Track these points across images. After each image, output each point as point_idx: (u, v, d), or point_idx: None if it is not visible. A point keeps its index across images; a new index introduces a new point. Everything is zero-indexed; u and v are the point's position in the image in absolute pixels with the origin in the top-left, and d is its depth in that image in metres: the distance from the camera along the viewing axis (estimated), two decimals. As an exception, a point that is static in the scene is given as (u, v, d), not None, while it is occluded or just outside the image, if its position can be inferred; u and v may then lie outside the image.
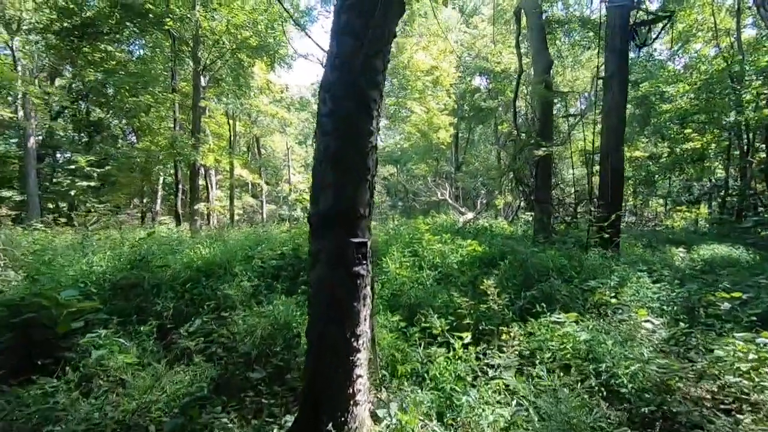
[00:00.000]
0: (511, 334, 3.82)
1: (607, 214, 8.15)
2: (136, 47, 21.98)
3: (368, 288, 2.67)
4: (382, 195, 34.42)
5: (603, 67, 9.00)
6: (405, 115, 22.96)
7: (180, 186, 20.73)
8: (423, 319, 4.40)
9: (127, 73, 18.69)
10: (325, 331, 2.55)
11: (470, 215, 16.33)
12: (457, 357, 3.68)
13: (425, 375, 3.66)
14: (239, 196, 29.87)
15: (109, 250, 7.20)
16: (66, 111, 22.87)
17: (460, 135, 31.84)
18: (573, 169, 14.62)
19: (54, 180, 16.70)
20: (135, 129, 25.00)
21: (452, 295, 4.88)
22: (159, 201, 28.11)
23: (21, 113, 14.76)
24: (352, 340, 2.57)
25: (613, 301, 4.84)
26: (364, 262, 2.57)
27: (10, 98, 16.20)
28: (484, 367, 3.56)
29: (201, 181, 26.10)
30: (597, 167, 10.24)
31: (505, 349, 3.73)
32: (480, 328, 4.19)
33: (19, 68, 18.75)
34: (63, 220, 10.94)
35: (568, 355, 3.58)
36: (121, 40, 19.31)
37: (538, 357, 3.63)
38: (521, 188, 13.69)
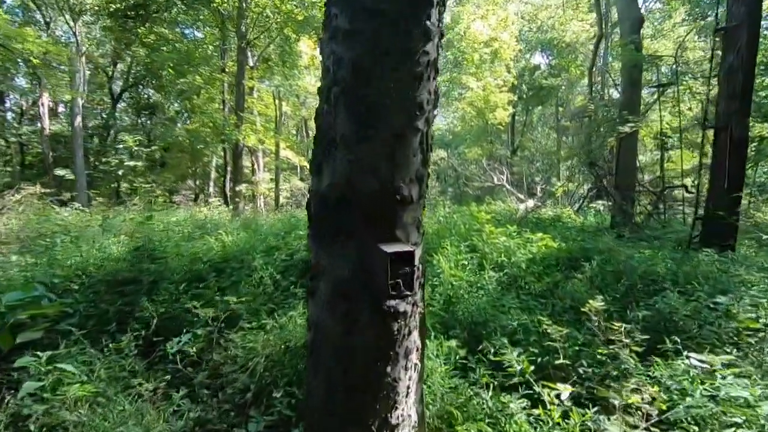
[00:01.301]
0: (642, 396, 2.44)
1: (724, 202, 6.34)
2: (188, 29, 21.82)
3: (416, 334, 1.44)
4: (431, 180, 32.98)
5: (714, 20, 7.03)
6: (459, 94, 21.23)
7: (228, 167, 20.46)
8: (490, 348, 3.12)
9: (176, 53, 18.41)
10: (332, 426, 1.37)
11: (531, 203, 14.57)
12: (549, 422, 2.38)
13: (498, 442, 2.41)
14: (287, 178, 29.52)
15: (127, 234, 6.46)
16: (125, 94, 23.36)
17: (516, 117, 29.57)
18: (649, 151, 12.43)
19: (104, 160, 16.78)
20: (187, 110, 25.15)
21: (533, 315, 3.54)
22: (211, 182, 28.35)
23: (68, 96, 14.74)
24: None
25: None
26: (410, 290, 1.34)
27: (64, 79, 16.33)
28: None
29: (247, 162, 25.93)
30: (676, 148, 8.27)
31: (631, 416, 2.37)
32: (581, 371, 2.83)
33: (83, 51, 19.07)
34: (100, 199, 10.56)
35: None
36: (171, 20, 19.07)
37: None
38: (594, 173, 11.78)
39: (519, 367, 2.75)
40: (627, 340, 2.64)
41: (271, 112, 24.67)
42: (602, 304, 2.91)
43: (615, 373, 2.90)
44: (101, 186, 18.30)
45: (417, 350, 1.49)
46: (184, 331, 3.25)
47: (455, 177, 31.15)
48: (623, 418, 2.53)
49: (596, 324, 2.92)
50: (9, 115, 23.46)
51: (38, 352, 2.56)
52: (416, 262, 1.32)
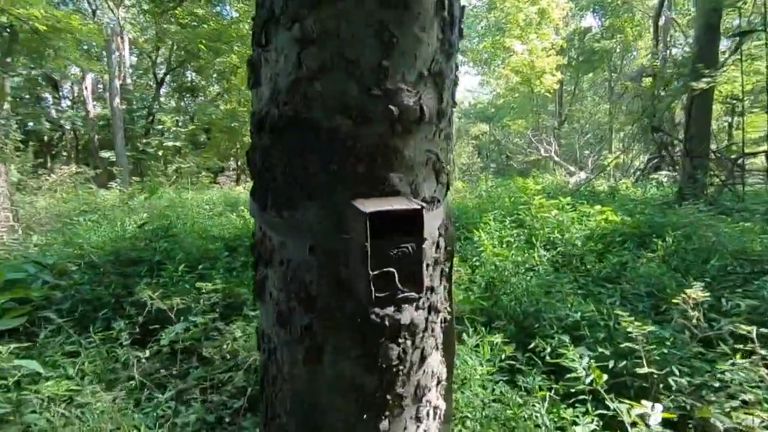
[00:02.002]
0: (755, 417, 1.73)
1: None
2: (223, 8, 21.64)
3: (436, 359, 0.85)
4: (472, 156, 31.77)
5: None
6: (503, 60, 19.85)
7: (265, 147, 20.23)
8: (545, 346, 2.47)
9: (210, 30, 18.27)
10: None
11: (582, 175, 13.39)
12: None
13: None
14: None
15: (151, 214, 6.22)
16: (168, 77, 23.76)
17: (564, 86, 27.59)
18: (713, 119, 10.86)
19: (144, 141, 17.06)
20: (225, 91, 25.28)
21: (600, 304, 2.84)
22: (252, 162, 28.57)
23: (106, 77, 14.93)
24: None
25: None
26: (413, 286, 0.72)
27: (101, 61, 16.58)
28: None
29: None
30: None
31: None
32: (671, 382, 2.13)
33: (125, 37, 19.43)
34: (136, 178, 10.58)
35: None
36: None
37: None
38: (659, 139, 10.47)
39: (585, 374, 2.09)
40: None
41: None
42: (707, 294, 2.17)
43: (716, 384, 2.18)
44: (147, 168, 18.74)
45: (439, 384, 0.90)
46: (181, 318, 2.82)
47: (498, 151, 29.79)
48: (734, 447, 1.84)
49: (693, 320, 2.19)
50: (64, 103, 24.56)
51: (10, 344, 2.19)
52: (428, 232, 0.71)
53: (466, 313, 2.86)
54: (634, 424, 1.86)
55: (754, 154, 10.56)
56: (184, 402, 2.35)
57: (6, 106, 15.12)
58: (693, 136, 8.63)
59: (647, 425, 1.86)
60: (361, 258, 0.66)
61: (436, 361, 0.88)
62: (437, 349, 0.88)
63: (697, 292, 2.13)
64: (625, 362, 2.25)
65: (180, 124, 19.12)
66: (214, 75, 23.03)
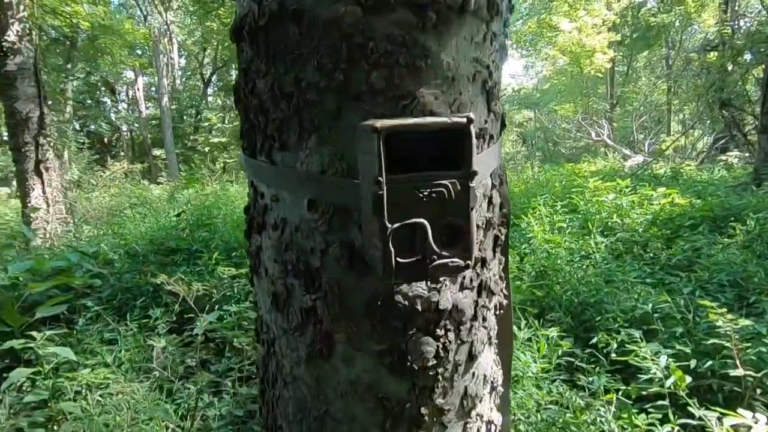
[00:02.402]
0: None
1: None
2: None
3: (488, 357, 0.62)
4: (516, 144, 30.74)
5: None
6: (548, 40, 18.87)
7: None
8: (610, 341, 2.17)
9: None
10: None
11: (640, 158, 12.46)
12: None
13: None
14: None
15: (192, 205, 6.33)
16: (214, 77, 24.60)
17: (615, 66, 25.87)
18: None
19: (192, 137, 17.70)
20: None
21: (673, 294, 2.47)
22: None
23: (156, 78, 15.56)
24: None
25: None
26: (460, 254, 0.49)
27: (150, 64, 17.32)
28: None
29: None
30: None
31: None
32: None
33: (174, 41, 20.34)
34: (183, 173, 10.95)
35: None
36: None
37: None
38: (730, 116, 9.48)
39: (662, 375, 1.78)
40: None
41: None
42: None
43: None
44: (195, 164, 19.51)
45: (493, 392, 0.67)
46: (216, 307, 2.75)
47: (544, 139, 28.59)
48: None
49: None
50: (121, 106, 26.09)
51: (33, 333, 2.18)
52: (479, 165, 0.47)
53: (515, 303, 2.59)
54: (727, 438, 1.55)
55: None
56: (215, 393, 2.26)
57: (68, 109, 16.19)
58: (771, 110, 7.71)
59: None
60: (373, 203, 0.45)
61: (489, 362, 0.65)
62: (490, 344, 0.65)
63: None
64: (710, 362, 1.91)
65: (226, 121, 19.66)
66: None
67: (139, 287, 3.18)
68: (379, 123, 0.44)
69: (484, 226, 0.61)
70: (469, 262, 0.50)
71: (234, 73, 25.01)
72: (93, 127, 21.12)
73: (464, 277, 0.57)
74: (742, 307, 2.63)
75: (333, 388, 0.60)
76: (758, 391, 1.82)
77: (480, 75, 0.59)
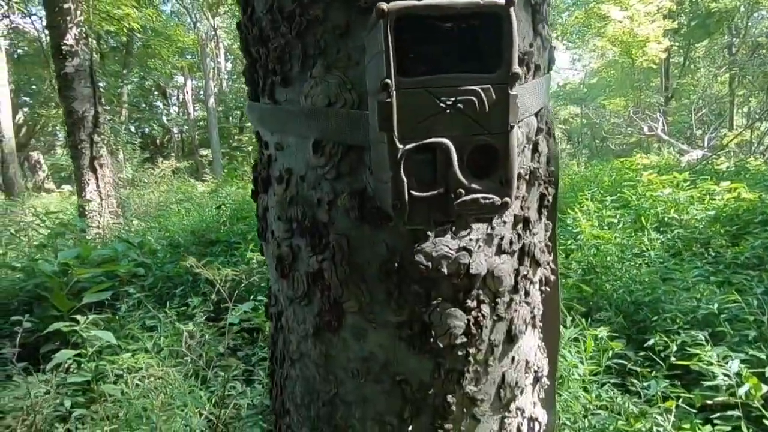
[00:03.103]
0: None
1: None
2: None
3: (531, 339, 0.51)
4: (561, 141, 29.68)
5: None
6: (597, 30, 18.03)
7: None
8: (669, 344, 1.97)
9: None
10: None
11: (699, 153, 11.62)
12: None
13: None
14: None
15: (230, 200, 6.51)
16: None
17: (671, 57, 24.27)
18: None
19: (236, 137, 18.31)
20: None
21: (744, 294, 2.22)
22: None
23: (204, 81, 16.19)
24: None
25: None
26: (493, 180, 0.37)
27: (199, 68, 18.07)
28: None
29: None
30: None
31: None
32: None
33: (221, 45, 21.20)
34: (225, 171, 11.32)
35: None
36: None
37: None
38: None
39: (734, 383, 1.57)
40: None
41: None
42: None
43: None
44: (240, 163, 20.22)
45: (537, 383, 0.56)
46: (250, 297, 2.76)
47: (591, 135, 27.40)
48: None
49: None
50: (173, 109, 27.48)
51: (77, 317, 2.25)
52: (516, 65, 0.36)
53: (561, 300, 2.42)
54: (814, 456, 1.35)
55: None
56: (248, 382, 2.25)
57: (124, 112, 17.21)
58: None
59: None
60: (380, 115, 0.35)
61: (532, 347, 0.54)
62: (534, 326, 0.54)
63: None
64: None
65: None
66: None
67: (179, 276, 3.26)
68: (386, 4, 0.34)
69: (527, 178, 0.50)
70: (507, 199, 0.38)
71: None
72: (146, 129, 22.38)
73: (502, 238, 0.46)
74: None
75: (343, 366, 0.52)
76: None
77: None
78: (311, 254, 0.52)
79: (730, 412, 1.56)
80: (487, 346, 0.50)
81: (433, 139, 0.35)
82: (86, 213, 5.17)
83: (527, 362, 0.55)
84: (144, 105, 23.76)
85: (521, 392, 0.54)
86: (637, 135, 17.80)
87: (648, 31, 16.00)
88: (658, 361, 1.94)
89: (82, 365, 2.37)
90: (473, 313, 0.47)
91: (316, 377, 0.54)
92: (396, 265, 0.47)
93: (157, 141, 23.04)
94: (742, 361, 1.69)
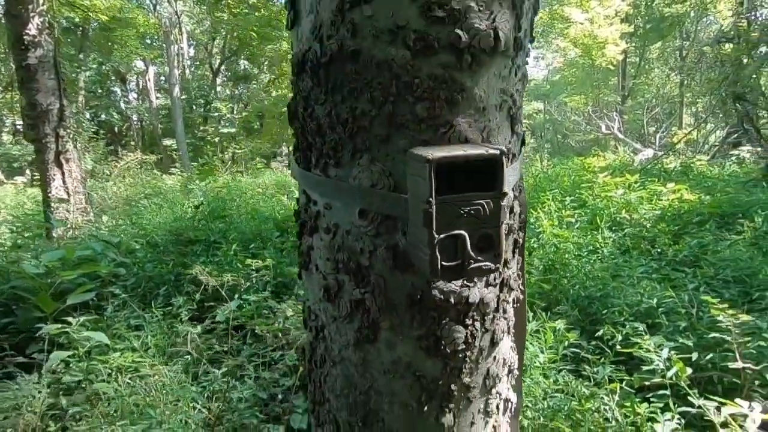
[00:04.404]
0: None
1: None
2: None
3: (507, 343, 0.73)
4: (525, 135, 30.55)
5: None
6: (560, 30, 18.67)
7: (314, 131, 20.69)
8: (615, 333, 2.25)
9: (260, 17, 18.60)
10: None
11: (650, 152, 12.40)
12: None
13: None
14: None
15: (207, 196, 6.47)
16: (222, 67, 24.64)
17: (627, 58, 25.48)
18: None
19: (202, 128, 17.85)
20: (276, 77, 25.87)
21: (679, 290, 2.55)
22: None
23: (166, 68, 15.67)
24: None
25: None
26: (490, 254, 0.59)
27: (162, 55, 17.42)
28: None
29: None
30: None
31: None
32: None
33: (184, 30, 20.44)
34: (195, 164, 11.08)
35: None
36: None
37: None
38: (743, 109, 9.40)
39: (665, 367, 1.87)
40: None
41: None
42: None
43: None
44: (205, 154, 19.70)
45: (510, 374, 0.78)
46: (235, 297, 2.87)
47: (553, 131, 28.37)
48: None
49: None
50: (131, 95, 26.28)
51: (69, 318, 2.31)
52: (507, 186, 0.57)
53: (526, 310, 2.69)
54: (724, 425, 1.64)
55: None
56: (238, 378, 2.38)
57: (80, 99, 16.38)
58: (785, 105, 7.66)
59: (741, 426, 1.63)
60: (424, 218, 0.54)
61: (507, 348, 0.76)
62: (509, 333, 0.75)
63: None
64: (711, 355, 2.00)
65: (235, 111, 19.79)
66: (266, 62, 23.58)
67: (161, 276, 3.32)
68: (430, 155, 0.53)
69: (506, 231, 0.70)
70: (498, 265, 0.60)
71: (243, 63, 25.01)
72: (103, 116, 21.36)
73: (494, 273, 0.66)
74: (745, 303, 2.70)
75: (377, 367, 0.70)
76: (757, 382, 1.90)
77: (506, 104, 0.68)
78: (355, 287, 0.70)
79: (662, 392, 1.85)
80: (478, 350, 0.70)
81: (455, 232, 0.55)
82: (52, 210, 5.05)
83: (504, 359, 0.76)
84: (101, 91, 22.66)
85: (499, 380, 0.75)
86: (596, 133, 18.66)
87: (607, 33, 16.74)
88: (606, 349, 2.22)
89: (71, 365, 2.43)
90: (469, 328, 0.67)
91: (355, 375, 0.73)
92: (418, 297, 0.66)
93: (115, 129, 22.07)
94: (673, 348, 2.00)
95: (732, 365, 1.84)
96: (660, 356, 1.83)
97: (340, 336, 0.73)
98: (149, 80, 17.40)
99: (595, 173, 5.37)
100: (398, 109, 0.64)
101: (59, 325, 2.24)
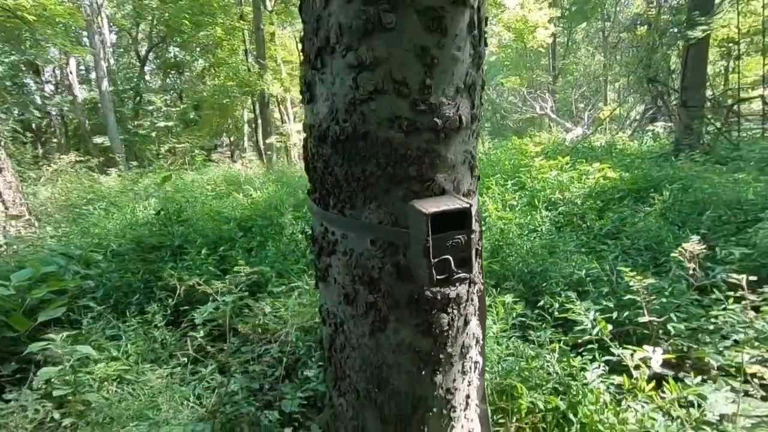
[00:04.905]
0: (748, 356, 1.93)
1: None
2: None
3: (474, 322, 1.01)
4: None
5: None
6: (494, 15, 19.33)
7: (258, 120, 20.19)
8: (553, 302, 2.67)
9: (191, 3, 17.63)
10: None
11: (579, 130, 13.41)
12: (636, 393, 1.96)
13: (568, 415, 2.04)
14: (318, 127, 28.75)
15: (154, 198, 6.32)
16: (151, 55, 23.07)
17: (557, 39, 26.91)
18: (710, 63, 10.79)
19: (136, 123, 16.85)
20: (212, 65, 24.67)
21: (602, 260, 3.02)
22: (246, 137, 28.25)
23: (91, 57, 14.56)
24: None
25: None
26: (465, 268, 0.86)
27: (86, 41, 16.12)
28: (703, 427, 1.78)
29: (277, 114, 25.49)
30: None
31: (740, 385, 1.89)
32: (670, 329, 2.34)
33: (103, 14, 18.86)
34: (135, 163, 10.58)
35: None
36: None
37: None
38: (655, 90, 10.44)
39: (592, 326, 2.29)
40: (744, 288, 2.10)
41: (295, 58, 23.71)
42: (702, 246, 2.34)
43: (710, 327, 2.40)
44: (140, 150, 18.59)
45: (477, 343, 1.06)
46: (210, 299, 3.00)
47: (492, 111, 29.46)
48: (724, 382, 2.05)
49: (691, 270, 2.37)
50: (48, 88, 23.97)
51: (58, 333, 2.36)
52: (474, 222, 0.85)
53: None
54: (637, 367, 2.08)
55: (749, 100, 10.58)
56: (225, 374, 2.55)
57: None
58: (688, 85, 8.64)
59: (649, 367, 2.07)
60: (423, 251, 0.81)
61: (474, 325, 1.04)
62: (475, 314, 1.04)
63: (693, 245, 2.30)
64: (627, 313, 2.45)
65: (168, 102, 18.79)
66: (198, 49, 22.42)
67: (129, 285, 3.35)
68: (426, 209, 0.79)
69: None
70: (471, 275, 0.87)
71: (173, 50, 23.55)
72: (17, 112, 19.46)
73: (464, 279, 0.94)
74: (656, 266, 3.24)
75: (387, 348, 0.96)
76: (661, 332, 2.38)
77: (467, 159, 0.95)
78: (368, 294, 0.94)
79: (590, 346, 2.27)
80: (456, 329, 0.97)
81: (443, 257, 0.81)
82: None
83: (473, 333, 1.04)
84: (10, 84, 20.57)
85: (471, 349, 1.04)
86: (531, 113, 19.71)
87: (537, 17, 17.59)
88: (547, 316, 2.63)
89: (52, 381, 2.48)
90: (450, 315, 0.94)
91: (370, 355, 0.98)
92: (416, 297, 0.92)
93: (33, 126, 20.22)
94: (598, 310, 2.43)
95: (641, 320, 2.29)
96: (588, 318, 2.24)
97: (357, 329, 0.98)
98: (71, 72, 16.08)
99: (531, 158, 5.88)
100: (396, 170, 0.88)
101: (44, 343, 2.28)
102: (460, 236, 0.83)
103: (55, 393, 2.26)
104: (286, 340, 2.52)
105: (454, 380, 1.01)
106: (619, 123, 18.67)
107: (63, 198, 7.65)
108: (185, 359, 2.62)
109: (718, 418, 1.79)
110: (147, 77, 22.87)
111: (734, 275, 1.99)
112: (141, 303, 3.16)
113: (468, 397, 1.05)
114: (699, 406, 1.88)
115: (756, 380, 1.93)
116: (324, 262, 1.03)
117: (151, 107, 16.14)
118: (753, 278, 2.21)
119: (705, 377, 2.21)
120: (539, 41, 18.24)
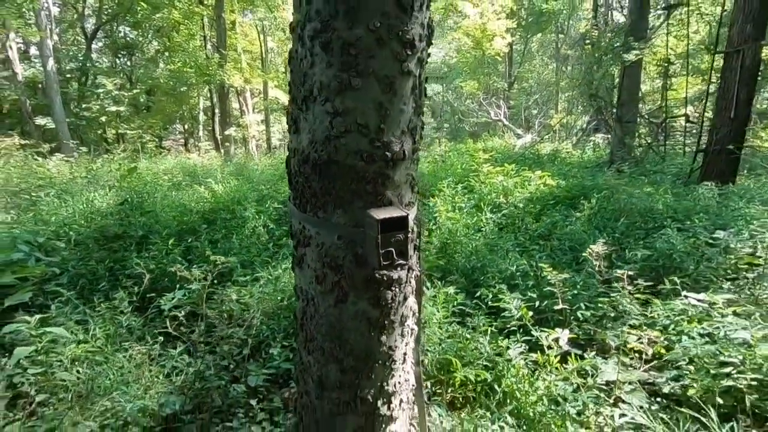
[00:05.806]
0: (640, 338, 2.42)
1: (728, 133, 6.16)
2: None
3: (411, 299, 1.35)
4: (425, 116, 32.09)
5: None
6: (454, 22, 20.01)
7: (216, 109, 19.73)
8: (488, 294, 3.09)
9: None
10: (328, 400, 1.31)
11: (529, 137, 14.27)
12: (547, 367, 2.40)
13: (494, 386, 2.46)
14: (278, 119, 28.55)
15: (114, 187, 6.26)
16: (99, 33, 21.83)
17: (514, 47, 28.15)
18: (650, 79, 11.93)
19: (84, 106, 16.04)
20: (167, 49, 23.71)
21: (533, 258, 3.49)
22: (201, 126, 27.38)
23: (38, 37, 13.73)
24: (381, 405, 1.33)
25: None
26: (403, 258, 1.21)
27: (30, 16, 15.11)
28: (598, 393, 2.25)
29: (235, 104, 24.95)
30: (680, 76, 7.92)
31: (629, 357, 2.37)
32: (579, 315, 2.82)
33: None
34: (84, 149, 10.20)
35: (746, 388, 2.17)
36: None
37: (689, 379, 2.25)
38: (595, 104, 11.37)
39: (517, 313, 2.73)
40: (625, 283, 2.60)
41: (256, 48, 23.32)
42: (605, 248, 2.84)
43: (613, 314, 2.90)
44: (85, 134, 17.68)
45: (413, 315, 1.40)
46: (177, 287, 3.18)
47: (451, 112, 30.31)
48: (621, 359, 2.54)
49: (597, 267, 2.87)
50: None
51: (27, 317, 2.49)
52: (410, 225, 1.18)
53: (425, 271, 3.43)
54: (550, 347, 2.52)
55: (675, 118, 11.75)
56: (193, 355, 2.77)
57: None
58: (624, 102, 9.54)
59: (559, 346, 2.52)
60: (375, 244, 1.13)
61: (412, 301, 1.38)
62: (413, 293, 1.37)
63: (599, 246, 2.79)
64: (546, 302, 2.92)
65: (117, 85, 17.95)
66: (152, 31, 21.52)
67: (93, 273, 3.46)
68: (377, 215, 1.11)
69: (411, 243, 1.31)
70: (408, 263, 1.20)
71: (123, 29, 22.36)
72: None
73: (404, 266, 1.27)
74: (577, 264, 3.76)
75: (347, 316, 1.28)
76: (572, 318, 2.86)
77: (409, 180, 1.28)
78: (334, 275, 1.26)
79: (514, 329, 2.70)
80: (397, 303, 1.31)
81: (389, 249, 1.14)
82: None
83: (410, 307, 1.38)
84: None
85: (408, 318, 1.38)
86: (487, 118, 20.56)
87: (495, 27, 18.39)
88: (482, 305, 3.04)
89: (20, 362, 2.59)
90: (393, 291, 1.28)
91: (334, 322, 1.29)
92: (369, 278, 1.24)
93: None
94: (524, 300, 2.87)
95: (557, 307, 2.76)
96: (514, 306, 2.67)
97: (325, 302, 1.29)
98: (11, 48, 15.02)
99: (480, 164, 6.38)
100: (358, 187, 1.19)
101: (18, 324, 2.41)
102: (400, 235, 1.16)
103: (30, 371, 2.39)
104: (251, 324, 2.78)
105: (395, 341, 1.34)
106: (567, 131, 19.94)
107: (12, 184, 7.33)
108: (154, 342, 2.81)
109: (605, 383, 2.26)
110: (93, 56, 21.59)
111: (629, 272, 2.48)
112: (107, 290, 3.28)
113: (405, 354, 1.39)
114: (593, 375, 2.34)
115: (636, 355, 2.42)
116: (300, 251, 1.34)
117: (100, 90, 15.38)
118: (650, 276, 2.72)
119: (606, 355, 2.71)
120: (496, 50, 19.07)
